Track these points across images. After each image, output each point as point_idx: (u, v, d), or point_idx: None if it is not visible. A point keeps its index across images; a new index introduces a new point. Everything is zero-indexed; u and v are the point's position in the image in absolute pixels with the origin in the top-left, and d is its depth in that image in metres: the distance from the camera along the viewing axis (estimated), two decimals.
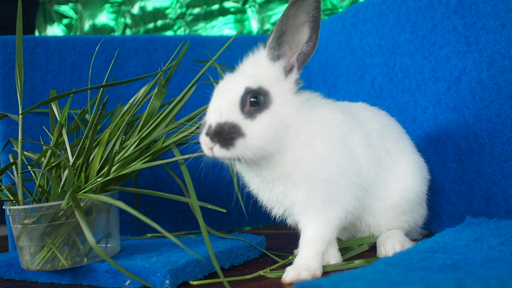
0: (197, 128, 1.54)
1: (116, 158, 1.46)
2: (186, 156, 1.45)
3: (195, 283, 1.32)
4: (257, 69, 1.33)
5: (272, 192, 1.37)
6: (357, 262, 1.39)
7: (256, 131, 1.24)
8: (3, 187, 1.55)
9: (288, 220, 1.45)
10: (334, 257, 1.43)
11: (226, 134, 1.22)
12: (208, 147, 1.24)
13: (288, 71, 1.33)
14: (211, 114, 1.26)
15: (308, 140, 1.31)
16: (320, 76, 2.31)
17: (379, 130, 1.50)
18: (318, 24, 1.31)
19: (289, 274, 1.26)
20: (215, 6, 2.98)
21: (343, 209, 1.36)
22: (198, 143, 1.29)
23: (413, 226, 1.59)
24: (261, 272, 1.38)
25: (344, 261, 1.44)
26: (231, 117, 1.24)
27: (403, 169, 1.51)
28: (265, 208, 1.44)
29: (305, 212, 1.35)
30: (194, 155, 1.41)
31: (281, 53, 1.32)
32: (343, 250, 1.52)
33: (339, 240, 1.54)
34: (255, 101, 1.26)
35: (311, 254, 1.32)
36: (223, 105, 1.25)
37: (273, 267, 1.43)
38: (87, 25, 3.69)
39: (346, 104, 1.57)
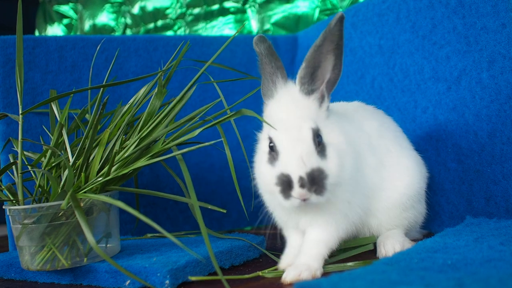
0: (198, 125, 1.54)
1: (116, 158, 1.46)
2: (184, 150, 1.43)
3: (194, 278, 1.32)
4: (301, 106, 1.32)
5: (296, 219, 1.38)
6: (357, 262, 1.39)
7: (333, 168, 1.26)
8: (3, 187, 1.55)
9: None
10: None
11: (319, 182, 1.22)
12: (304, 198, 1.22)
13: (320, 100, 1.35)
14: (295, 166, 1.22)
15: (345, 161, 1.32)
16: None
17: (378, 128, 1.51)
18: (342, 51, 1.33)
19: (290, 274, 1.26)
20: (215, 6, 2.99)
21: (351, 221, 1.39)
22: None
23: (413, 223, 1.59)
24: (259, 273, 1.38)
25: (344, 261, 1.44)
26: (314, 163, 1.23)
27: (403, 165, 1.52)
28: (270, 215, 1.46)
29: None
30: (193, 148, 1.40)
31: (315, 87, 1.33)
32: (344, 250, 1.52)
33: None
34: (319, 140, 1.27)
35: (313, 255, 1.32)
36: (303, 153, 1.23)
37: (273, 268, 1.43)
38: (87, 25, 3.69)
39: (342, 105, 1.58)
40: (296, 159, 1.23)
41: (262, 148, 1.35)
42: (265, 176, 1.30)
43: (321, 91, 1.34)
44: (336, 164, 1.27)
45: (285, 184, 1.22)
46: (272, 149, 1.29)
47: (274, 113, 1.34)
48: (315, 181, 1.22)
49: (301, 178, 1.21)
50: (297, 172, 1.21)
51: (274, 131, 1.29)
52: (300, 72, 1.33)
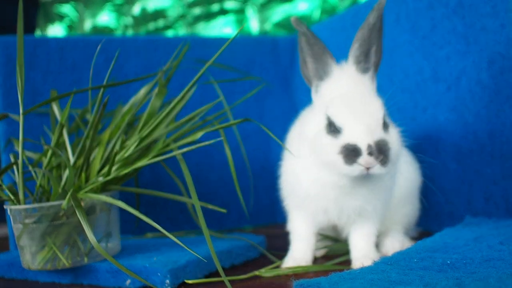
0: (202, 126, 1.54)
1: (117, 158, 1.46)
2: (184, 150, 1.43)
3: (190, 282, 1.32)
4: (361, 84, 1.33)
5: (344, 204, 1.35)
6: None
7: (395, 142, 1.27)
8: (4, 186, 1.55)
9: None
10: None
11: (385, 151, 1.23)
12: (369, 166, 1.22)
13: (371, 81, 1.36)
14: (362, 135, 1.22)
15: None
16: None
17: None
18: (382, 33, 1.33)
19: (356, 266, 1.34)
20: (216, 7, 2.99)
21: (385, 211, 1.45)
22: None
23: (412, 220, 1.59)
24: (256, 273, 1.38)
25: (343, 262, 1.44)
26: (380, 135, 1.24)
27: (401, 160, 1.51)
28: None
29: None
30: (193, 147, 1.40)
31: (369, 66, 1.34)
32: (345, 250, 1.52)
33: (338, 242, 1.54)
34: (384, 114, 1.29)
35: (370, 246, 1.41)
36: (371, 123, 1.24)
37: (270, 267, 1.43)
38: (88, 26, 3.69)
39: None
40: (363, 129, 1.23)
41: (315, 126, 1.32)
42: (326, 146, 1.26)
43: (372, 71, 1.35)
44: (397, 139, 1.28)
45: (350, 151, 1.21)
46: (332, 125, 1.26)
47: (334, 90, 1.32)
48: (382, 151, 1.22)
49: (369, 146, 1.21)
50: (365, 140, 1.21)
51: (333, 107, 1.27)
52: (355, 51, 1.32)
